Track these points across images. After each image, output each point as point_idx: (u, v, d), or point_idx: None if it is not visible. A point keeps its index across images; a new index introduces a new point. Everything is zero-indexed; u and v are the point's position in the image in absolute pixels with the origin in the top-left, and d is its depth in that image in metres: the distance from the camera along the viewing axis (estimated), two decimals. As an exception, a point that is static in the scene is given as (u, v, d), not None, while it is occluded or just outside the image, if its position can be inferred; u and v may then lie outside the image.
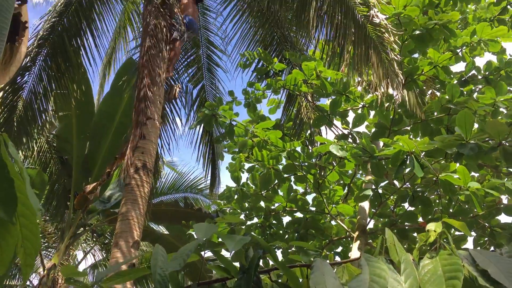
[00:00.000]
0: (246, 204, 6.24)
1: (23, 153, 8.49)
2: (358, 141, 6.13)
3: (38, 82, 7.37)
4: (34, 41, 7.16)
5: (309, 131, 7.71)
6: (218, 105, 5.71)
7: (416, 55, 6.12)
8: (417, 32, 5.35)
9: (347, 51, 6.17)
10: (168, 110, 8.36)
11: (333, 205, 5.94)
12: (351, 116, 6.62)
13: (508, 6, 6.32)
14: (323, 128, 6.97)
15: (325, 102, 6.86)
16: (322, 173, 5.91)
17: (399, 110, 5.76)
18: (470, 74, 6.02)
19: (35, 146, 8.83)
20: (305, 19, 6.55)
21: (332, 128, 6.54)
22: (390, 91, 5.65)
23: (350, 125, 6.30)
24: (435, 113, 5.63)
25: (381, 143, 6.07)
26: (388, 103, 5.75)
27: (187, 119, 9.02)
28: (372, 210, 5.72)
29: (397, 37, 5.52)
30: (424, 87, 6.24)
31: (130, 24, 8.87)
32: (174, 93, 7.21)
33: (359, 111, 6.29)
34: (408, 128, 5.96)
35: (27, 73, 7.27)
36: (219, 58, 9.16)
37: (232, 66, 8.87)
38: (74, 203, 7.68)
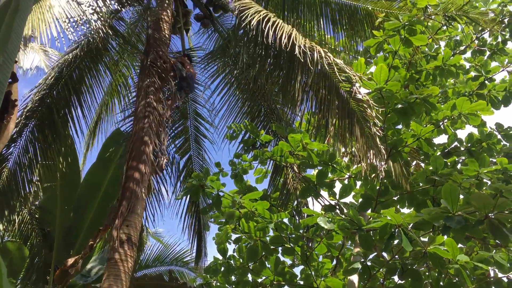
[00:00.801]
0: (233, 278, 6.08)
1: (4, 226, 8.28)
2: (345, 212, 6.12)
3: (23, 154, 7.33)
4: (22, 113, 7.21)
5: (296, 202, 7.69)
6: (205, 176, 5.72)
7: (399, 126, 6.26)
8: (399, 105, 5.51)
9: (331, 124, 6.31)
10: (154, 181, 8.31)
11: (322, 278, 5.81)
12: (337, 187, 6.67)
13: (486, 81, 6.59)
14: (310, 199, 6.96)
15: (312, 172, 6.90)
16: (310, 245, 5.84)
17: (385, 181, 5.81)
18: (452, 145, 6.15)
19: (16, 218, 8.64)
20: (291, 93, 6.73)
21: (319, 199, 6.53)
22: (375, 162, 5.73)
23: (337, 196, 6.31)
24: (421, 184, 5.69)
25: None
26: (374, 174, 5.80)
27: (173, 189, 8.97)
28: (361, 283, 5.60)
29: (380, 111, 5.68)
30: (409, 158, 6.34)
31: (118, 95, 8.99)
32: (161, 164, 7.20)
33: (346, 182, 6.32)
34: (395, 198, 5.99)
35: (13, 144, 7.24)
36: (206, 129, 9.29)
37: (219, 137, 8.97)
38: (54, 277, 7.40)
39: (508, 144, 6.24)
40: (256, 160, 6.44)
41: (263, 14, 6.68)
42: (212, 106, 9.04)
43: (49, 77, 7.57)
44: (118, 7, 7.34)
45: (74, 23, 5.82)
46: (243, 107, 8.63)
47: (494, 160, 5.96)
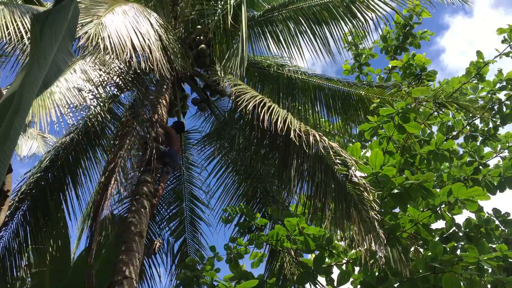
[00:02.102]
0: None
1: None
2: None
3: (14, 238, 7.15)
4: (16, 195, 7.14)
5: (293, 288, 7.45)
6: (200, 261, 5.61)
7: (397, 210, 6.22)
8: (396, 191, 5.51)
9: (328, 208, 6.28)
10: (147, 265, 8.08)
11: None
12: (335, 272, 6.49)
13: (480, 167, 6.65)
14: (307, 285, 6.75)
15: (309, 257, 6.75)
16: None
17: (384, 267, 5.66)
18: (451, 231, 6.08)
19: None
20: (287, 176, 6.76)
21: (316, 286, 6.33)
22: (374, 247, 5.62)
23: (335, 283, 6.12)
24: (421, 271, 5.55)
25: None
26: (372, 260, 5.68)
27: (168, 274, 8.68)
28: None
29: (376, 195, 5.66)
30: (408, 242, 6.23)
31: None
32: (154, 248, 7.05)
33: (344, 267, 6.17)
34: (395, 286, 5.81)
35: (4, 228, 7.08)
36: (202, 211, 9.18)
37: (215, 219, 8.85)
38: None
39: (506, 230, 6.18)
40: (252, 244, 6.35)
41: (259, 99, 6.85)
42: (208, 187, 9.03)
43: (45, 160, 7.59)
44: (117, 92, 7.53)
45: (73, 109, 5.94)
46: (239, 188, 8.61)
47: (494, 246, 5.87)
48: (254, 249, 6.60)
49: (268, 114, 6.56)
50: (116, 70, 7.10)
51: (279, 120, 6.42)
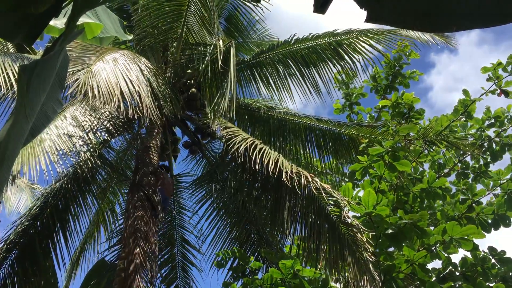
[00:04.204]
0: None
1: None
2: None
3: (1, 289, 6.97)
4: (4, 245, 6.97)
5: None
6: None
7: (392, 249, 6.15)
8: (390, 230, 5.46)
9: (322, 249, 6.19)
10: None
11: None
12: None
13: (474, 204, 6.62)
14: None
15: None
16: None
17: (382, 310, 5.54)
18: (447, 270, 5.99)
19: None
20: (280, 218, 6.69)
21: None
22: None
23: (333, 327, 5.96)
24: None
25: None
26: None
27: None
28: None
29: (370, 235, 5.61)
30: (405, 283, 6.13)
31: (104, 222, 8.83)
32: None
33: (340, 311, 6.02)
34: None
35: (-10, 280, 6.91)
36: (193, 256, 8.99)
37: (207, 264, 8.67)
38: None
39: (503, 268, 6.09)
40: (246, 289, 6.18)
41: (250, 141, 6.86)
42: (200, 232, 8.89)
43: (34, 207, 7.47)
44: (108, 137, 7.51)
45: (63, 155, 5.89)
46: (232, 232, 8.49)
47: (491, 285, 5.77)
48: (249, 293, 6.44)
49: (260, 156, 6.55)
50: (106, 115, 7.12)
51: (270, 162, 6.41)
